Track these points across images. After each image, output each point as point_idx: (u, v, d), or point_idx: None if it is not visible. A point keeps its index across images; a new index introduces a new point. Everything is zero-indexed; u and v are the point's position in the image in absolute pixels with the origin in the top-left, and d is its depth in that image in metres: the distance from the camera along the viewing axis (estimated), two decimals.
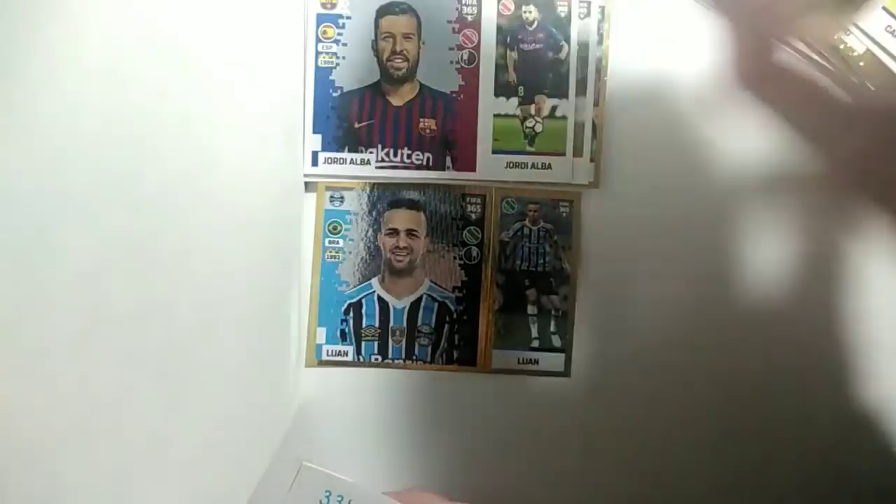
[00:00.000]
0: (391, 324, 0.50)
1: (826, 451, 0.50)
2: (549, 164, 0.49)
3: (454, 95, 0.49)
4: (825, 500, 0.50)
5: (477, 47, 0.49)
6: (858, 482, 0.50)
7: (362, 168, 0.50)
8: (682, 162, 0.49)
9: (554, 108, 0.49)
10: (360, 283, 0.50)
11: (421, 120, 0.49)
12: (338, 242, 0.50)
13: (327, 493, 0.32)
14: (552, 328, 0.50)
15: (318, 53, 0.49)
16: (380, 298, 0.50)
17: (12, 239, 0.19)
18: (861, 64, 0.41)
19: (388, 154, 0.50)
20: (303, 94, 0.49)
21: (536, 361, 0.50)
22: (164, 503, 0.29)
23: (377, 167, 0.50)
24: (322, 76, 0.49)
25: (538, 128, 0.49)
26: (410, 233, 0.50)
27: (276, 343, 0.45)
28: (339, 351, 0.50)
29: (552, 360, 0.50)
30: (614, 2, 0.49)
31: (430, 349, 0.50)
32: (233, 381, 0.37)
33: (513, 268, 0.50)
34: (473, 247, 0.50)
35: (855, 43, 0.42)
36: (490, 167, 0.49)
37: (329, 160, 0.50)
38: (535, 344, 0.50)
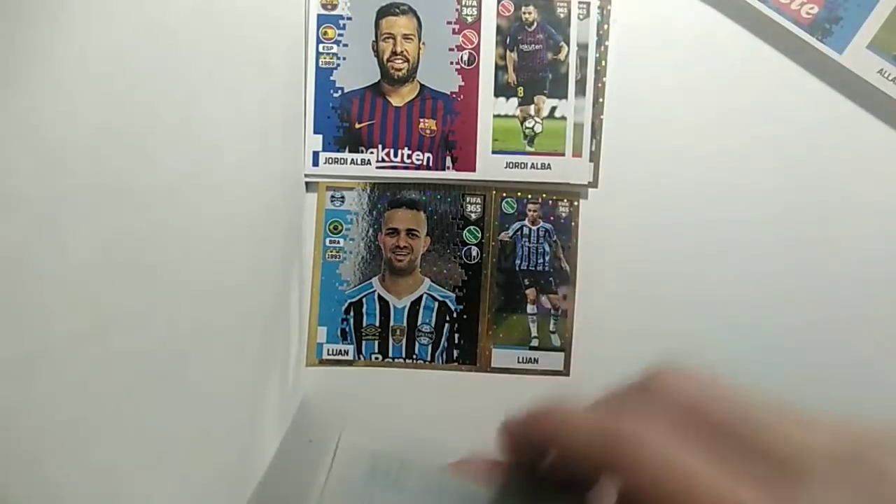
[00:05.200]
0: (391, 323, 0.51)
1: None
2: (549, 165, 0.49)
3: (454, 96, 0.49)
4: None
5: (477, 48, 0.49)
6: None
7: (363, 168, 0.50)
8: (680, 162, 0.50)
9: (553, 109, 0.49)
10: (361, 283, 0.51)
11: (421, 120, 0.49)
12: (338, 242, 0.50)
13: (373, 466, 0.31)
14: (551, 327, 0.50)
15: (318, 54, 0.49)
16: (380, 298, 0.51)
17: (12, 239, 0.19)
18: None
19: (388, 154, 0.50)
20: (303, 95, 0.49)
21: (536, 360, 0.50)
22: (163, 503, 0.29)
23: (377, 167, 0.50)
24: (323, 77, 0.49)
25: (538, 128, 0.49)
26: (410, 232, 0.50)
27: (276, 342, 0.45)
28: (340, 350, 0.50)
29: (552, 359, 0.50)
30: (613, 3, 0.49)
31: (430, 348, 0.51)
32: (233, 380, 0.38)
33: (513, 267, 0.51)
34: (473, 246, 0.50)
35: None
36: (490, 167, 0.50)
37: (330, 160, 0.50)
38: (535, 343, 0.51)
